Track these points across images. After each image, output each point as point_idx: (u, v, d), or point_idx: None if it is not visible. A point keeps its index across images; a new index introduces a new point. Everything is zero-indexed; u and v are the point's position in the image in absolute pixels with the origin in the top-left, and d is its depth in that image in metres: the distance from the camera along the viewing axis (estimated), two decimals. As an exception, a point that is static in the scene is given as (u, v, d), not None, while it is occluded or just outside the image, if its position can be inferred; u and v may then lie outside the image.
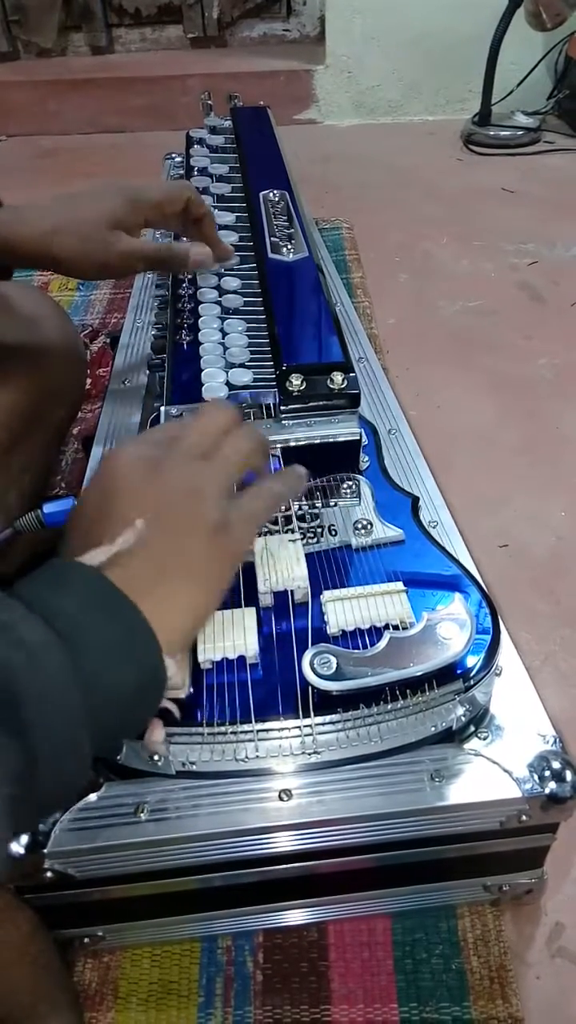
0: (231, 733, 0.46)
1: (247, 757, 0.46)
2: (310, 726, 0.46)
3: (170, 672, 0.36)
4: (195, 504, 0.38)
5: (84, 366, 0.77)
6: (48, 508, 0.59)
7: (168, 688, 0.37)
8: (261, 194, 0.83)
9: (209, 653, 0.47)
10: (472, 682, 0.48)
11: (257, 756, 0.46)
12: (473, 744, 0.49)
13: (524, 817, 0.48)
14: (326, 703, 0.46)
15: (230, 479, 0.41)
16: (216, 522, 0.38)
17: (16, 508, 0.65)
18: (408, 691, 0.46)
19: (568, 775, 0.47)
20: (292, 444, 0.59)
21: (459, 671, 0.48)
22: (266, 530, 0.54)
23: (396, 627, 0.49)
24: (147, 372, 0.77)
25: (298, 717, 0.46)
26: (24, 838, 0.45)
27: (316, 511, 0.58)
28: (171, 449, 0.41)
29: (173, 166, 1.09)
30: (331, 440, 0.59)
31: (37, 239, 0.58)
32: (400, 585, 0.51)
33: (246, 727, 0.46)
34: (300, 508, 0.58)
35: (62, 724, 0.31)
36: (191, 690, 0.46)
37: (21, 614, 0.32)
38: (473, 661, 0.48)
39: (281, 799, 0.46)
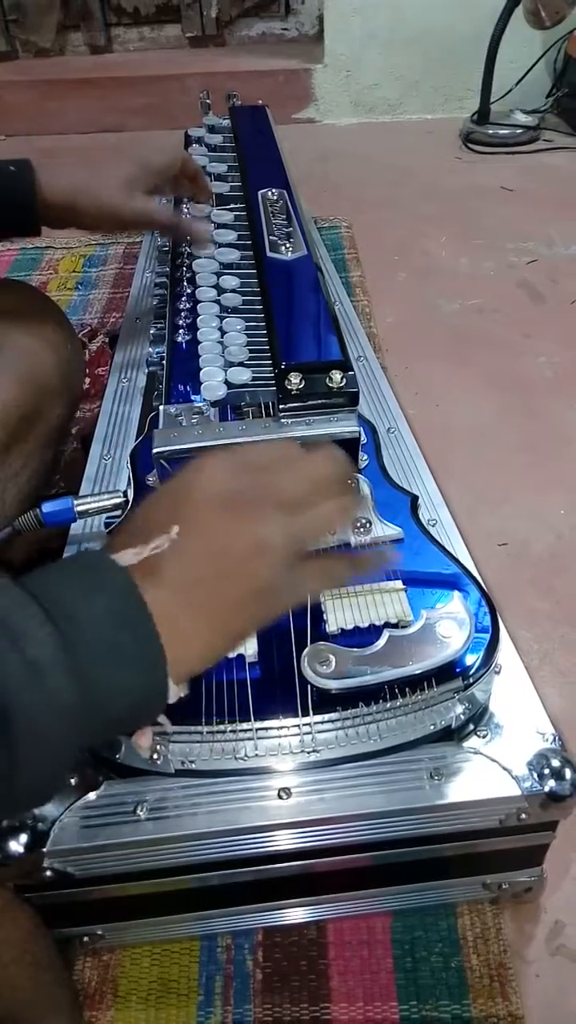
0: (230, 731, 0.46)
1: (246, 755, 0.46)
2: (309, 724, 0.46)
3: (171, 698, 0.35)
4: (256, 561, 0.36)
5: (82, 365, 0.77)
6: (47, 507, 0.59)
7: None
8: (260, 193, 0.83)
9: (208, 652, 0.47)
10: (471, 680, 0.48)
11: (256, 754, 0.46)
12: (472, 742, 0.49)
13: (523, 815, 0.48)
14: (325, 701, 0.46)
15: (304, 546, 0.38)
16: (267, 585, 0.37)
17: (14, 507, 0.65)
18: (407, 689, 0.46)
19: (567, 773, 0.47)
20: (291, 443, 0.59)
21: (458, 669, 0.48)
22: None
23: (395, 626, 0.49)
24: (146, 371, 0.77)
25: (297, 715, 0.46)
26: (23, 837, 0.45)
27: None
28: (262, 490, 0.38)
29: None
30: (330, 438, 0.59)
31: (66, 195, 0.68)
32: (399, 584, 0.51)
33: (245, 725, 0.46)
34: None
35: (50, 742, 0.31)
36: (189, 689, 0.46)
37: (37, 621, 0.31)
38: (472, 659, 0.48)
39: (280, 797, 0.46)
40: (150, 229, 0.81)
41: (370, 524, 0.57)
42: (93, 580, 0.34)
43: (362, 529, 0.56)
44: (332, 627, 0.49)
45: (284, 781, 0.47)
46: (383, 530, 0.57)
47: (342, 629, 0.49)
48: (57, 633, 0.31)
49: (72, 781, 0.48)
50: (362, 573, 0.43)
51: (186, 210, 0.85)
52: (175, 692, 0.35)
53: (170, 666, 0.34)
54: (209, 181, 0.84)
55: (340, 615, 0.49)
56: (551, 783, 0.46)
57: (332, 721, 0.46)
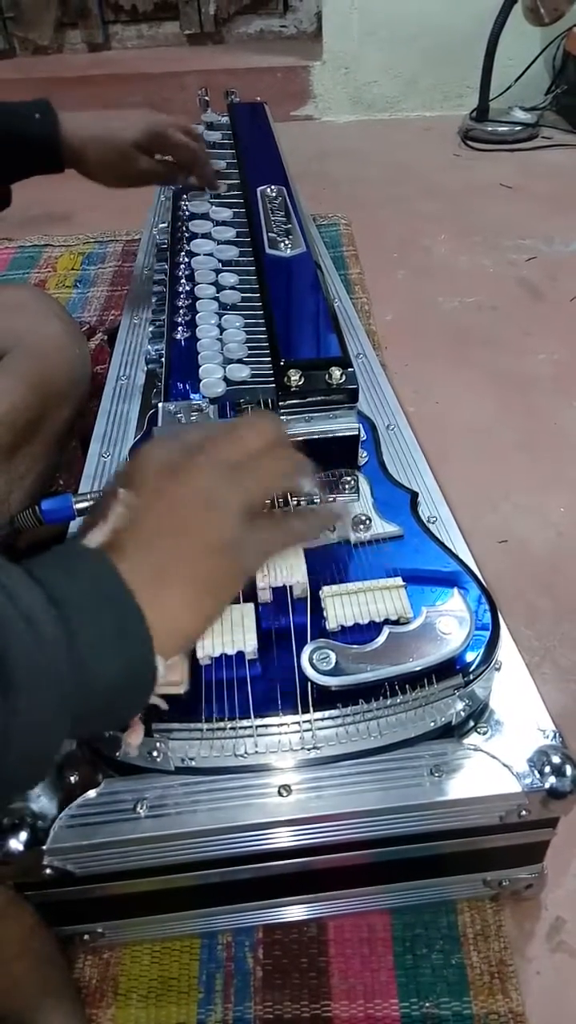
0: (230, 729, 0.46)
1: (246, 753, 0.46)
2: (309, 722, 0.46)
3: (162, 674, 0.35)
4: (210, 515, 0.37)
5: (87, 366, 0.77)
6: (46, 505, 0.59)
7: (167, 685, 0.37)
8: (259, 190, 0.83)
9: (208, 649, 0.47)
10: (471, 677, 0.48)
11: (256, 752, 0.46)
12: (472, 739, 0.49)
13: (524, 812, 0.48)
14: (325, 699, 0.46)
15: (255, 498, 0.39)
16: (227, 540, 0.37)
17: (19, 508, 0.65)
18: (407, 686, 0.46)
19: (568, 770, 0.47)
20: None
21: (458, 666, 0.48)
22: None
23: (395, 622, 0.49)
24: (144, 369, 0.77)
25: (297, 713, 0.46)
26: (23, 835, 0.45)
27: (315, 507, 0.58)
28: (202, 453, 0.39)
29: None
30: (329, 436, 0.59)
31: (78, 143, 0.73)
32: (399, 580, 0.51)
33: (245, 723, 0.46)
34: (299, 503, 0.58)
35: (47, 695, 0.31)
36: (189, 686, 0.46)
37: (25, 584, 0.32)
38: (472, 656, 0.48)
39: (280, 795, 0.46)
40: (153, 183, 0.86)
41: (370, 521, 0.57)
42: (70, 564, 0.35)
43: (362, 526, 0.56)
44: (332, 624, 0.49)
45: (284, 778, 0.47)
46: (383, 527, 0.57)
47: (342, 626, 0.49)
48: (43, 593, 0.32)
49: (73, 779, 0.48)
50: (318, 528, 0.45)
51: (185, 206, 0.86)
52: (163, 666, 0.35)
53: (156, 639, 0.34)
54: (212, 169, 0.86)
55: (340, 612, 0.49)
56: (551, 780, 0.46)
57: (332, 718, 0.46)
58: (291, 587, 0.51)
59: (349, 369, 0.59)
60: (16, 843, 0.45)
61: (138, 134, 0.75)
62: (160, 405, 0.61)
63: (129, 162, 0.76)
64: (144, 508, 0.37)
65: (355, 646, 0.47)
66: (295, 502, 0.55)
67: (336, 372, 0.58)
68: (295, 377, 0.58)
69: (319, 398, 0.58)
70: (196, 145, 0.82)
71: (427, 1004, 0.52)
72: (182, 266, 0.78)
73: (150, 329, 0.80)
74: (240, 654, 0.48)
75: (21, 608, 0.31)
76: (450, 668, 0.47)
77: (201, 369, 0.64)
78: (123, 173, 0.77)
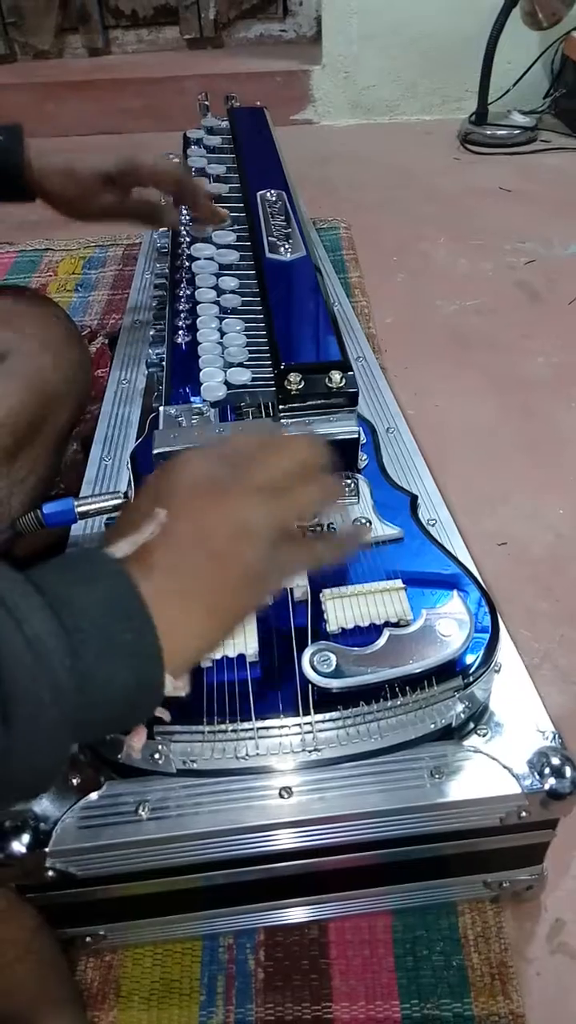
0: (231, 731, 0.46)
1: (247, 755, 0.46)
2: (310, 723, 0.46)
3: (169, 690, 0.35)
4: (241, 543, 0.37)
5: (89, 370, 0.77)
6: (48, 508, 0.59)
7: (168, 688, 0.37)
8: (258, 194, 0.84)
9: (209, 652, 0.47)
10: (471, 679, 0.48)
11: (257, 754, 0.46)
12: (473, 741, 0.49)
13: (524, 813, 0.48)
14: (326, 700, 0.46)
15: (286, 525, 0.40)
16: (253, 566, 0.38)
17: (20, 513, 0.65)
18: (408, 688, 0.46)
19: (567, 771, 0.47)
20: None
21: (458, 668, 0.48)
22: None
23: (395, 625, 0.49)
24: (145, 372, 0.77)
25: (298, 715, 0.46)
26: (26, 837, 0.45)
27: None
28: (241, 476, 0.39)
29: (170, 167, 1.09)
30: (329, 439, 0.59)
31: (40, 169, 0.71)
32: (399, 583, 0.51)
33: (246, 725, 0.46)
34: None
35: (48, 722, 0.31)
36: (190, 689, 0.46)
37: (36, 603, 0.32)
38: (472, 658, 0.48)
39: (282, 796, 0.47)
40: (123, 221, 0.81)
41: (370, 524, 0.57)
42: (89, 572, 0.34)
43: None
44: (332, 626, 0.49)
45: (285, 780, 0.47)
46: (383, 530, 0.57)
47: (342, 628, 0.49)
48: (55, 618, 0.32)
49: (75, 781, 0.48)
50: (341, 552, 0.45)
51: (185, 218, 0.85)
52: (171, 685, 0.35)
53: (166, 657, 0.34)
54: (212, 204, 0.82)
55: (340, 614, 0.50)
56: (551, 781, 0.47)
57: (333, 720, 0.47)
58: (291, 590, 0.52)
59: (349, 372, 0.59)
60: (18, 845, 0.45)
61: (109, 166, 0.73)
62: (161, 409, 0.61)
63: (92, 196, 0.73)
64: (174, 527, 0.37)
65: (355, 648, 0.48)
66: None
67: (336, 375, 0.58)
68: (295, 380, 0.58)
69: (319, 401, 0.59)
70: (181, 172, 0.79)
71: (428, 1005, 0.52)
72: (182, 270, 0.78)
73: (151, 333, 0.80)
74: (241, 656, 0.48)
75: (28, 633, 0.31)
76: (450, 670, 0.47)
77: (202, 373, 0.64)
78: (83, 205, 0.74)
